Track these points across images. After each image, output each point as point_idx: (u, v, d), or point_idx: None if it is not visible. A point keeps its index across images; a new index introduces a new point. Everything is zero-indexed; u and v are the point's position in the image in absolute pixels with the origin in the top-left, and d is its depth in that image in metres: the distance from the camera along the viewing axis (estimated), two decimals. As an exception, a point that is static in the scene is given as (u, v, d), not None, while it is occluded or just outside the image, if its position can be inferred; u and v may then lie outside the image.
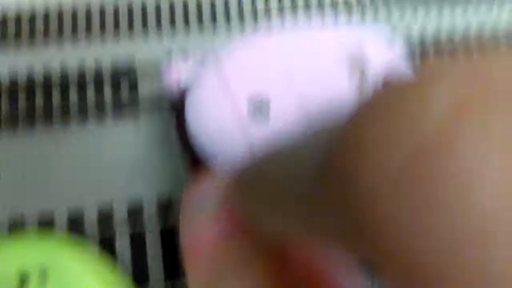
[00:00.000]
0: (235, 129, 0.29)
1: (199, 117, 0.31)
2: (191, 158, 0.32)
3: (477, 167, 0.07)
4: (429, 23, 0.55)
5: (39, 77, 0.50)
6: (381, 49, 0.32)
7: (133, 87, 0.50)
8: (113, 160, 0.47)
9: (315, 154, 0.10)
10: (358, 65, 0.30)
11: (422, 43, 0.53)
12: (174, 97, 0.37)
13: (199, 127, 0.30)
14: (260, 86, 0.30)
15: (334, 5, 0.55)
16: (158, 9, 0.54)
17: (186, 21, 0.53)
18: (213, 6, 0.55)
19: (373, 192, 0.08)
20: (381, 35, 0.33)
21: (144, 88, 0.51)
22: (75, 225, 0.45)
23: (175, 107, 0.36)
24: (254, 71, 0.30)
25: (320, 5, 0.55)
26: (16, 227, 0.44)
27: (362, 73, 0.30)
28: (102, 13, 0.53)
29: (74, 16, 0.53)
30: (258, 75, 0.30)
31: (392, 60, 0.31)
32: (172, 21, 0.53)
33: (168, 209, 0.45)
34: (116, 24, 0.53)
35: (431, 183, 0.08)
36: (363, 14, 0.55)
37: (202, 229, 0.15)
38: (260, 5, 0.55)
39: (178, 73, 0.35)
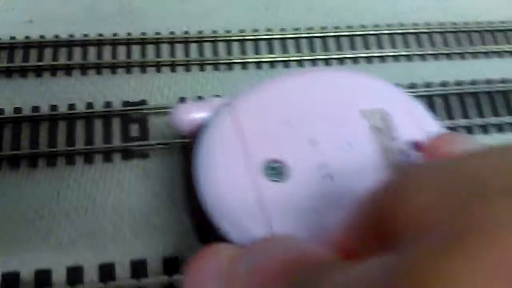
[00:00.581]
0: (247, 185, 0.26)
1: (208, 165, 0.27)
2: (196, 210, 0.28)
3: None
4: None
5: (44, 110, 0.47)
6: (407, 116, 0.30)
7: (143, 124, 0.48)
8: (117, 211, 0.44)
9: None
10: (384, 134, 0.28)
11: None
12: (184, 138, 0.33)
13: (206, 177, 0.27)
14: (280, 148, 0.27)
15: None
16: (172, 47, 0.52)
17: (201, 62, 0.52)
18: (229, 48, 0.53)
19: None
20: (405, 96, 0.31)
21: (155, 127, 0.48)
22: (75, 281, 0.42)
23: (184, 149, 0.32)
24: (274, 132, 0.27)
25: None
26: (9, 285, 0.41)
27: (388, 143, 0.28)
28: (114, 47, 0.51)
29: (84, 48, 0.51)
30: (278, 137, 0.27)
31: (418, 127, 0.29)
32: (187, 62, 0.51)
33: (173, 269, 0.42)
34: (129, 58, 0.51)
35: None
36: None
37: None
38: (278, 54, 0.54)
39: (189, 113, 0.31)
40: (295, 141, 0.27)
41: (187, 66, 0.51)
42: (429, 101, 0.53)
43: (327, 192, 0.25)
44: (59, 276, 0.42)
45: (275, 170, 0.26)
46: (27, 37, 0.50)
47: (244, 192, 0.25)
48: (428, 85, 0.54)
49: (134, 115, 0.48)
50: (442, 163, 0.12)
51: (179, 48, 0.53)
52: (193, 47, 0.53)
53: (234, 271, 0.13)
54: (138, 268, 0.43)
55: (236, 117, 0.27)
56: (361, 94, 0.29)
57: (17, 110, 0.47)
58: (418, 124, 0.29)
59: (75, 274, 0.42)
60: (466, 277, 0.09)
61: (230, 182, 0.26)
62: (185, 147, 0.32)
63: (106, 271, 0.42)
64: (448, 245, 0.09)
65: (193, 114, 0.32)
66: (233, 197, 0.25)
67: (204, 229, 0.28)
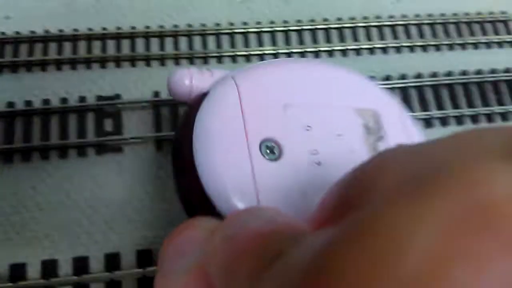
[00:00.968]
0: (242, 159, 0.26)
1: (207, 135, 0.27)
2: (188, 181, 0.28)
3: None
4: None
5: (19, 106, 0.48)
6: (393, 116, 0.31)
7: (118, 119, 0.49)
8: (92, 205, 0.45)
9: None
10: (373, 133, 0.29)
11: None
12: (184, 103, 0.32)
13: (204, 146, 0.27)
14: (277, 129, 0.28)
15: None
16: (147, 42, 0.53)
17: (176, 56, 0.52)
18: (204, 42, 0.54)
19: None
20: (392, 99, 0.32)
21: (129, 121, 0.49)
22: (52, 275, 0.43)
23: (183, 116, 0.32)
24: (274, 113, 0.28)
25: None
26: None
27: (376, 138, 0.29)
28: (89, 42, 0.52)
29: (60, 43, 0.51)
30: (277, 117, 0.28)
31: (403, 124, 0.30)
32: (162, 56, 0.52)
33: (146, 262, 0.43)
34: (104, 53, 0.52)
35: None
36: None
37: None
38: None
39: (189, 79, 0.31)
40: (292, 125, 0.27)
41: (162, 60, 0.52)
42: (404, 92, 0.54)
43: (315, 177, 0.26)
44: (34, 269, 0.43)
45: (270, 149, 0.26)
46: (3, 33, 0.51)
47: (238, 165, 0.26)
48: (403, 77, 0.54)
49: (108, 109, 0.49)
50: (408, 147, 0.13)
51: (154, 42, 0.53)
52: (168, 41, 0.53)
53: (211, 240, 0.14)
54: (112, 261, 0.43)
55: (239, 93, 0.27)
56: (359, 93, 0.30)
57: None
58: (403, 128, 0.30)
59: (50, 267, 0.43)
60: (402, 226, 0.09)
61: (226, 153, 0.26)
62: (181, 121, 0.31)
63: (80, 264, 0.43)
64: (388, 202, 0.10)
65: (193, 81, 0.31)
66: (227, 169, 0.26)
67: (194, 202, 0.27)
